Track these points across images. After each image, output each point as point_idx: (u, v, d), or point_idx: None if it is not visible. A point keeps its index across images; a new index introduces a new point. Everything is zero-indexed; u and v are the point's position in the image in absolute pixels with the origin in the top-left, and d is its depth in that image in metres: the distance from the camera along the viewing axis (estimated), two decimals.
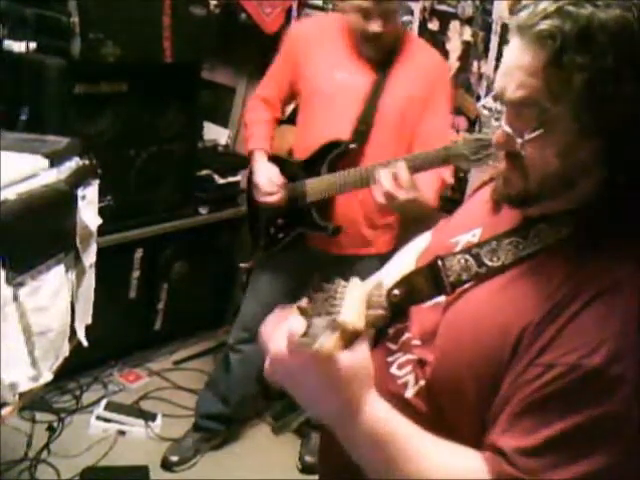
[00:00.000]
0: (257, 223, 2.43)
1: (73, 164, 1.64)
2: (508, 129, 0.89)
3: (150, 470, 2.49)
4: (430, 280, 0.99)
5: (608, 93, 0.81)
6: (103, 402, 2.75)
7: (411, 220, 2.11)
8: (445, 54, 2.77)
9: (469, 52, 2.71)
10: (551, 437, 0.80)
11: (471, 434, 0.89)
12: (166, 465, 2.57)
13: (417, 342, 1.01)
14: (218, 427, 2.67)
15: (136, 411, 2.76)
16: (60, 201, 1.55)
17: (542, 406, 0.82)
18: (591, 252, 0.86)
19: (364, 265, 2.27)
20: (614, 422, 0.80)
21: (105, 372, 2.97)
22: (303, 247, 2.37)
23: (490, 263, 0.94)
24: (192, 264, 3.14)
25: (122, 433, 2.67)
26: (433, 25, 2.81)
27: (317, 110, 2.27)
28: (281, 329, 0.85)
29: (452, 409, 0.93)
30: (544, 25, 0.82)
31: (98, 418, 2.67)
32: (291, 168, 2.33)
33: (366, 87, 2.20)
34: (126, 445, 2.62)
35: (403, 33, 2.30)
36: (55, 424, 2.59)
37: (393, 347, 1.04)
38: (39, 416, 2.59)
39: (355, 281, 0.90)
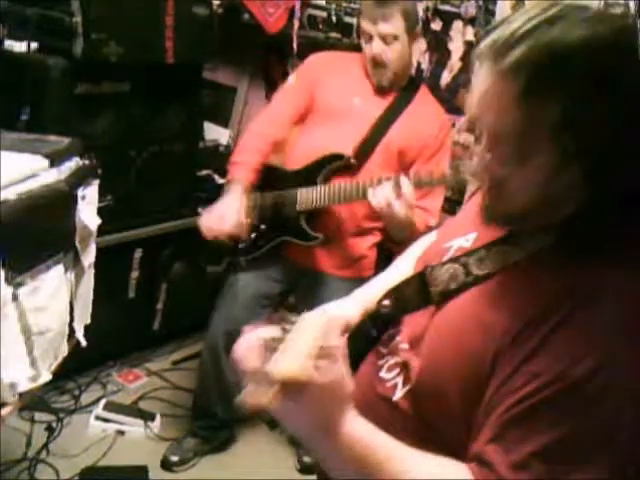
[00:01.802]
0: (229, 253, 2.43)
1: (73, 164, 1.64)
2: (486, 162, 0.88)
3: (149, 470, 2.49)
4: (418, 290, 1.00)
5: (586, 116, 0.79)
6: (102, 402, 2.75)
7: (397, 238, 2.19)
8: (448, 54, 2.78)
9: (471, 52, 2.71)
10: (538, 450, 0.78)
11: (455, 438, 0.88)
12: (166, 465, 2.57)
13: (405, 346, 1.01)
14: (216, 434, 2.67)
15: (135, 411, 2.76)
16: (60, 201, 1.55)
17: (528, 417, 0.80)
18: (576, 261, 0.85)
19: (337, 287, 2.29)
20: (602, 432, 0.78)
21: (104, 372, 2.97)
22: (279, 257, 2.39)
23: (477, 272, 0.94)
24: (191, 264, 3.14)
25: (121, 433, 2.67)
26: (436, 25, 2.82)
27: (324, 124, 2.31)
28: (247, 355, 0.85)
29: (437, 413, 0.92)
30: (514, 56, 0.79)
31: (97, 418, 2.67)
32: (284, 177, 2.35)
33: (377, 115, 2.27)
34: (125, 445, 2.62)
35: (416, 79, 2.41)
36: (54, 424, 2.59)
37: (384, 350, 1.04)
38: (38, 416, 2.59)
39: (309, 320, 0.85)
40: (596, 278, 0.83)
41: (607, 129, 0.80)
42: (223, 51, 3.08)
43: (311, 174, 2.27)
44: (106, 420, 2.68)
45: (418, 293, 1.00)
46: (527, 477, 0.79)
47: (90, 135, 2.47)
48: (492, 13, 2.64)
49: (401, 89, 2.31)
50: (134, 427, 2.69)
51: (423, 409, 0.93)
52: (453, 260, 0.98)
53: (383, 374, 1.01)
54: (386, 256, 2.33)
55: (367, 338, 1.07)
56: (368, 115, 2.27)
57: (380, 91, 2.29)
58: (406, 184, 1.97)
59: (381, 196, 1.99)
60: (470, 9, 2.70)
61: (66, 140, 1.68)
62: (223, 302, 2.54)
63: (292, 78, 2.46)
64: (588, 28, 0.79)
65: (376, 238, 2.34)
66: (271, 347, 0.82)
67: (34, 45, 2.41)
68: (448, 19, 2.77)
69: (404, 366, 0.99)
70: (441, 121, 2.34)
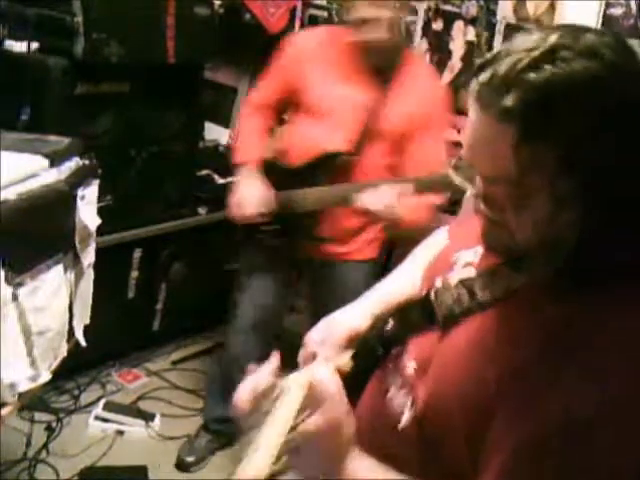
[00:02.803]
0: (245, 227, 2.43)
1: (73, 164, 1.64)
2: (482, 206, 0.86)
3: (149, 470, 2.48)
4: (423, 312, 0.99)
5: (584, 156, 0.77)
6: (101, 402, 2.75)
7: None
8: (449, 54, 2.78)
9: (472, 52, 2.71)
10: None
11: (459, 471, 0.87)
12: (182, 467, 2.57)
13: (412, 368, 0.99)
14: (229, 428, 2.67)
15: (135, 411, 2.75)
16: (60, 201, 1.55)
17: (530, 468, 0.78)
18: (576, 293, 0.82)
19: (351, 270, 2.33)
20: (599, 473, 0.76)
21: (103, 372, 2.96)
22: (292, 252, 2.39)
23: (482, 297, 0.92)
24: (191, 264, 3.14)
25: (121, 433, 2.66)
26: (437, 25, 2.82)
27: (317, 120, 2.27)
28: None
29: (441, 443, 0.90)
30: (506, 102, 0.76)
31: (96, 418, 2.67)
32: (285, 174, 2.34)
33: (367, 101, 2.20)
34: (125, 445, 2.62)
35: (404, 50, 2.29)
36: (54, 424, 2.59)
37: (391, 371, 1.03)
38: (38, 416, 2.59)
39: (290, 393, 0.86)
40: (595, 315, 0.81)
41: (608, 164, 0.77)
42: (224, 51, 3.08)
43: (310, 174, 2.26)
44: (106, 420, 2.67)
45: (422, 315, 0.99)
46: None
47: (90, 135, 2.47)
48: (493, 13, 2.65)
49: (390, 66, 2.22)
50: (134, 427, 2.69)
51: (428, 437, 0.92)
52: (459, 284, 0.96)
53: (390, 397, 1.00)
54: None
55: (373, 355, 1.06)
56: (357, 103, 2.20)
57: (369, 74, 2.21)
58: (388, 194, 1.96)
59: (366, 202, 2.00)
60: (471, 9, 2.70)
61: (66, 140, 1.69)
62: (248, 296, 2.53)
63: (274, 60, 2.43)
64: (582, 63, 0.76)
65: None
66: (260, 405, 0.85)
67: (34, 45, 2.41)
68: (449, 19, 2.77)
69: (410, 391, 0.97)
70: (433, 94, 2.25)
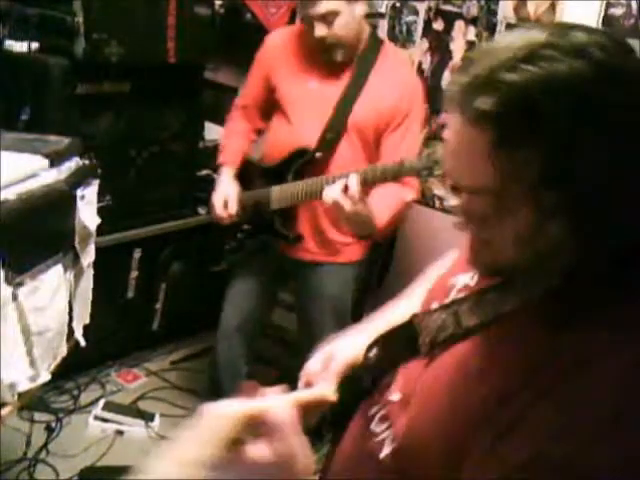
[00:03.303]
0: (226, 227, 2.43)
1: (73, 164, 1.64)
2: (462, 217, 0.81)
3: None
4: (406, 340, 0.92)
5: (566, 166, 0.70)
6: (101, 402, 2.74)
7: (357, 233, 2.16)
8: (449, 54, 2.78)
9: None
10: None
11: None
12: None
13: (397, 398, 0.93)
14: None
15: (134, 411, 2.75)
16: (60, 201, 1.55)
17: None
18: (565, 321, 0.76)
19: (334, 272, 2.31)
20: None
21: (103, 372, 2.96)
22: (273, 253, 2.39)
23: (467, 323, 0.86)
24: (190, 264, 3.13)
25: (120, 433, 2.66)
26: (438, 25, 2.81)
27: (289, 117, 2.26)
28: None
29: (417, 474, 0.85)
30: (480, 103, 0.70)
31: (96, 418, 2.67)
32: (261, 173, 2.35)
33: (337, 95, 2.18)
34: (124, 445, 2.62)
35: (376, 40, 2.26)
36: (53, 424, 2.59)
37: (377, 401, 0.97)
38: (37, 416, 2.59)
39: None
40: (584, 344, 0.74)
41: (590, 179, 0.71)
42: (225, 51, 3.08)
43: (281, 171, 2.25)
44: (105, 420, 2.67)
45: (406, 343, 0.92)
46: None
47: (90, 135, 2.47)
48: (494, 13, 2.64)
49: (359, 58, 2.17)
50: (133, 427, 2.68)
51: (404, 469, 0.87)
52: (444, 307, 0.91)
53: (373, 427, 0.94)
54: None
55: (360, 385, 1.00)
56: (328, 97, 2.18)
57: (337, 68, 2.17)
58: (353, 181, 1.89)
59: (329, 195, 1.93)
60: (472, 9, 2.70)
61: (66, 140, 1.69)
62: (229, 299, 2.54)
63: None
64: (564, 66, 0.69)
65: None
66: None
67: (35, 45, 2.41)
68: (450, 19, 2.76)
69: (392, 423, 0.91)
70: (404, 87, 2.17)
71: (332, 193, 1.92)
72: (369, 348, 0.97)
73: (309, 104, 2.21)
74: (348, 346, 1.09)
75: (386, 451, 0.89)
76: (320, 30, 2.07)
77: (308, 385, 1.04)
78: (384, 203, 2.07)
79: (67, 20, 2.35)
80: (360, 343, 1.06)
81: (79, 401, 2.77)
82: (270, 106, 2.37)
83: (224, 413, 0.73)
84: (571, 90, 0.69)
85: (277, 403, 0.76)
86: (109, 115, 2.61)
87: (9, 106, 2.33)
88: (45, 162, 1.55)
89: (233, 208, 2.30)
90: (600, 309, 0.76)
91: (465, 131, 0.74)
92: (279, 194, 2.24)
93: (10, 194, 1.39)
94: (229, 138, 2.47)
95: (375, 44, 2.23)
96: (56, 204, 1.53)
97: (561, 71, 0.69)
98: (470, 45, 2.72)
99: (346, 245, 2.31)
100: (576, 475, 0.69)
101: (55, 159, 1.57)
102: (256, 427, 0.73)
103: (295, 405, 0.76)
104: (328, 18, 2.05)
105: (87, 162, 1.68)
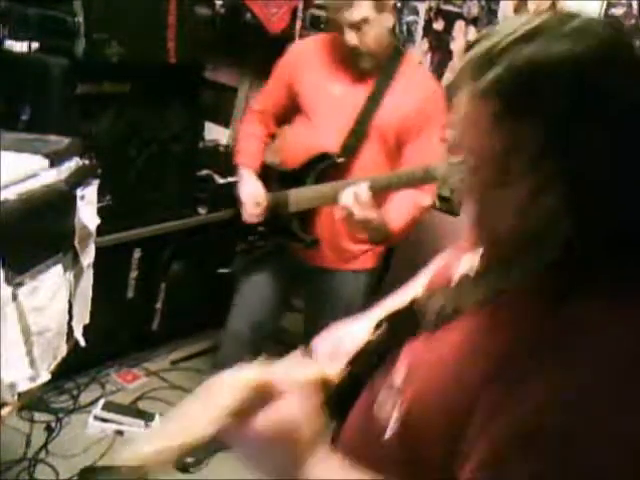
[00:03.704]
0: (237, 228, 2.43)
1: (73, 164, 1.64)
2: (465, 191, 0.86)
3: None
4: (410, 319, 0.97)
5: (564, 139, 0.75)
6: (101, 402, 2.75)
7: (371, 241, 2.16)
8: (449, 54, 2.78)
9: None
10: None
11: (438, 477, 0.84)
12: (182, 467, 2.57)
13: (401, 376, 0.97)
14: None
15: (134, 411, 2.75)
16: (59, 201, 1.55)
17: (502, 461, 0.75)
18: (561, 298, 0.79)
19: (347, 280, 2.32)
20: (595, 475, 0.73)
21: (103, 372, 2.96)
22: (287, 256, 2.39)
23: (468, 301, 0.90)
24: (190, 264, 3.13)
25: (120, 433, 2.66)
26: (438, 25, 2.81)
27: (312, 121, 2.27)
28: None
29: (421, 447, 0.87)
30: (490, 76, 0.76)
31: (96, 418, 2.67)
32: (280, 177, 2.35)
33: (361, 101, 2.20)
34: (124, 445, 2.61)
35: (400, 51, 2.29)
36: (53, 424, 2.59)
37: (382, 380, 1.00)
38: (37, 416, 2.59)
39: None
40: (583, 314, 0.78)
41: (585, 152, 0.75)
42: (225, 51, 3.08)
43: (302, 175, 2.26)
44: (105, 420, 2.67)
45: (410, 322, 0.97)
46: None
47: (90, 135, 2.47)
48: (495, 13, 2.65)
49: (383, 66, 2.21)
50: (133, 427, 2.68)
51: (410, 445, 0.89)
52: (443, 289, 0.96)
53: (377, 407, 0.97)
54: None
55: (369, 365, 1.04)
56: (352, 103, 2.20)
57: (361, 74, 2.21)
58: (362, 188, 1.93)
59: (340, 201, 1.96)
60: (473, 9, 2.70)
61: (66, 140, 1.68)
62: (240, 302, 2.54)
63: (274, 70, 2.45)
64: (569, 43, 0.74)
65: None
66: None
67: (35, 45, 2.41)
68: (450, 19, 2.76)
69: (397, 400, 0.94)
70: (426, 93, 2.21)
71: (343, 199, 1.95)
72: (375, 328, 1.01)
73: (332, 109, 2.23)
74: (356, 332, 1.12)
75: (390, 429, 0.93)
76: (350, 37, 2.10)
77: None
78: (400, 208, 2.10)
79: (67, 20, 2.35)
80: (367, 327, 1.10)
81: (79, 401, 2.77)
82: (288, 112, 2.38)
83: (234, 380, 0.78)
84: (570, 68, 0.74)
85: (288, 374, 0.81)
86: (109, 115, 2.61)
87: (9, 106, 2.33)
88: (45, 162, 1.55)
89: (263, 205, 2.30)
90: (598, 282, 0.79)
91: (472, 104, 0.79)
92: (298, 197, 2.25)
93: (10, 194, 1.39)
94: (246, 140, 2.47)
95: (398, 53, 2.27)
96: (56, 204, 1.53)
97: (561, 50, 0.74)
98: None
99: (361, 253, 2.32)
100: (584, 417, 0.73)
101: (55, 159, 1.57)
102: (264, 396, 0.77)
103: (304, 380, 0.81)
104: (360, 26, 2.09)
105: (87, 162, 1.68)
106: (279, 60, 2.43)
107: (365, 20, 2.08)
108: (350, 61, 2.20)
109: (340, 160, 2.20)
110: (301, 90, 2.30)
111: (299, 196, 2.25)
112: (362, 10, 2.08)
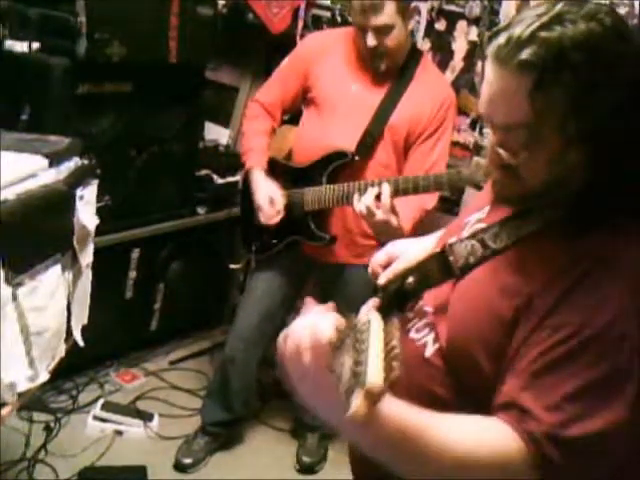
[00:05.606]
0: (250, 226, 2.43)
1: (72, 164, 1.64)
2: (501, 151, 0.97)
3: (147, 470, 2.48)
4: (440, 266, 1.08)
5: (589, 103, 0.90)
6: (100, 402, 2.75)
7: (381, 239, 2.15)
8: (451, 54, 2.78)
9: (474, 52, 2.72)
10: (569, 393, 0.87)
11: (487, 395, 0.95)
12: (180, 468, 2.57)
13: (430, 309, 1.09)
14: (226, 431, 2.68)
15: (133, 411, 2.75)
16: (59, 201, 1.55)
17: (556, 366, 0.89)
18: (587, 232, 0.94)
19: (358, 275, 2.30)
20: (622, 374, 0.88)
21: (101, 372, 2.96)
22: (297, 254, 2.39)
23: (494, 245, 1.03)
24: (189, 264, 3.13)
25: (119, 433, 2.66)
26: (440, 25, 2.81)
27: (326, 118, 2.27)
28: (305, 327, 0.88)
29: (468, 372, 0.99)
30: (523, 55, 0.89)
31: (95, 418, 2.67)
32: (290, 173, 2.34)
33: (377, 101, 2.22)
34: (123, 445, 2.62)
35: (415, 51, 2.32)
36: (52, 424, 2.59)
37: (410, 315, 1.12)
38: (36, 416, 2.59)
39: (375, 320, 0.90)
40: (609, 246, 0.92)
41: (608, 111, 0.90)
42: (226, 51, 3.07)
43: (316, 172, 2.25)
44: (104, 420, 2.67)
45: (440, 269, 1.08)
46: (562, 417, 0.87)
47: (90, 135, 2.47)
48: (496, 13, 2.65)
49: (401, 67, 2.25)
50: (132, 427, 2.69)
51: (455, 368, 1.01)
52: (470, 237, 1.07)
53: (413, 335, 1.09)
54: None
55: (391, 310, 1.11)
56: (368, 103, 2.22)
57: (379, 75, 2.23)
58: (385, 191, 1.95)
59: (362, 203, 1.97)
60: (475, 9, 2.70)
61: (66, 140, 1.68)
62: (250, 299, 2.54)
63: (286, 60, 2.44)
64: (588, 24, 0.89)
65: None
66: (335, 346, 0.84)
67: (35, 45, 2.40)
68: (452, 19, 2.77)
69: (432, 327, 1.07)
70: (440, 98, 2.25)
71: (365, 200, 1.97)
72: (405, 276, 1.13)
73: (349, 107, 2.24)
74: (412, 248, 1.28)
75: (430, 350, 1.06)
76: (372, 40, 2.13)
77: (375, 274, 1.26)
78: (408, 210, 2.11)
79: (69, 20, 2.35)
80: (423, 247, 1.26)
81: (78, 401, 2.77)
82: (296, 104, 2.38)
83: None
84: (590, 44, 0.89)
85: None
86: (109, 115, 2.61)
87: (9, 106, 2.33)
88: (45, 162, 1.54)
89: (280, 205, 2.28)
90: (613, 222, 0.94)
91: (506, 80, 0.92)
92: (315, 196, 2.24)
93: (10, 194, 1.39)
94: (255, 139, 2.42)
95: (415, 55, 2.29)
96: (55, 204, 1.53)
97: (582, 30, 0.89)
98: (472, 45, 2.72)
99: (372, 247, 2.32)
100: (610, 340, 0.88)
101: (55, 159, 1.57)
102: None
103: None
104: (383, 30, 2.12)
105: (86, 162, 1.68)
106: (296, 50, 2.42)
107: (390, 26, 2.12)
108: (369, 61, 2.21)
109: (357, 159, 2.21)
110: (317, 84, 2.30)
111: (315, 195, 2.24)
112: (388, 16, 2.10)
